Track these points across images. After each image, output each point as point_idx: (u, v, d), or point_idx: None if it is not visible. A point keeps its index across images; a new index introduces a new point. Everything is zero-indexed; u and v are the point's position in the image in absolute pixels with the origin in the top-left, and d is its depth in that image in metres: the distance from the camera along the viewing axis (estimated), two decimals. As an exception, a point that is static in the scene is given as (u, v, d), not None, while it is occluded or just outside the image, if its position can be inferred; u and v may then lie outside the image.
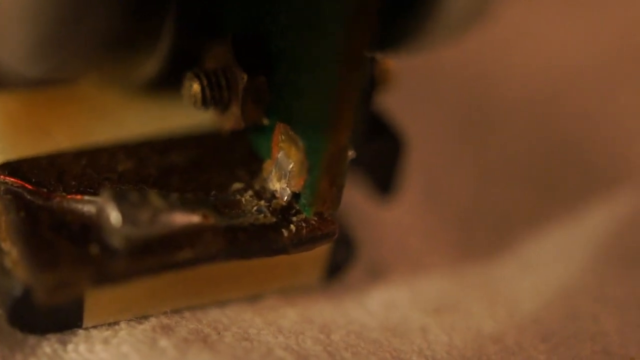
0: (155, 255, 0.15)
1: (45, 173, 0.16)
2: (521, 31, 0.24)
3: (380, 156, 0.18)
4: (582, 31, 0.24)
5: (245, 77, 0.16)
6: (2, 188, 0.16)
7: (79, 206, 0.16)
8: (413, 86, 0.20)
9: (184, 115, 0.17)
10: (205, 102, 0.16)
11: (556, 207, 0.20)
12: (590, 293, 0.18)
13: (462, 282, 0.18)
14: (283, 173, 0.16)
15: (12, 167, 0.16)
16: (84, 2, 0.14)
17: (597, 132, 0.22)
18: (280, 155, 0.16)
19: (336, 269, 0.17)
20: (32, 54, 0.14)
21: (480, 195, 0.20)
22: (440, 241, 0.19)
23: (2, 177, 0.16)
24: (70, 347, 0.16)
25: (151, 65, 0.16)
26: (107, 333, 0.16)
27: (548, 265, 0.19)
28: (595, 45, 0.24)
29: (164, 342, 0.16)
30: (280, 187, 0.16)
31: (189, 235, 0.15)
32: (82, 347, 0.16)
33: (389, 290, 0.18)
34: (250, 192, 0.16)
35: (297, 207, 0.16)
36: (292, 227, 0.16)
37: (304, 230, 0.16)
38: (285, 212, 0.16)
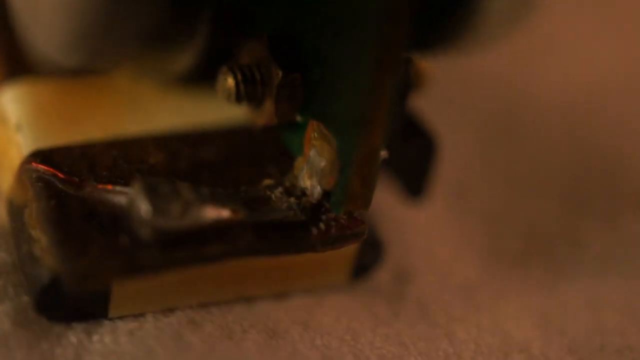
0: (184, 248, 0.15)
1: (76, 162, 0.16)
2: (558, 39, 0.24)
3: (412, 158, 0.18)
4: (618, 40, 0.24)
5: (280, 73, 0.16)
6: (34, 175, 0.16)
7: (110, 196, 0.16)
8: (446, 89, 0.20)
9: (217, 109, 0.17)
10: (239, 97, 0.16)
11: (586, 217, 0.20)
12: (618, 307, 0.18)
13: (489, 290, 0.18)
14: (314, 171, 0.16)
15: (44, 155, 0.16)
16: None
17: (631, 144, 0.22)
18: (312, 152, 0.16)
19: (363, 270, 0.17)
20: (70, 44, 0.14)
21: (510, 203, 0.20)
22: (468, 247, 0.19)
23: (34, 164, 0.16)
24: (95, 337, 0.15)
25: (186, 59, 0.16)
26: (132, 325, 0.16)
27: (576, 277, 0.19)
28: (631, 55, 0.24)
29: (189, 337, 0.16)
30: (311, 184, 0.16)
31: (218, 229, 0.15)
32: (107, 339, 0.15)
33: (417, 294, 0.18)
34: (280, 189, 0.16)
35: (327, 206, 0.16)
36: (322, 225, 0.16)
37: (333, 229, 0.16)
38: (315, 210, 0.16)
